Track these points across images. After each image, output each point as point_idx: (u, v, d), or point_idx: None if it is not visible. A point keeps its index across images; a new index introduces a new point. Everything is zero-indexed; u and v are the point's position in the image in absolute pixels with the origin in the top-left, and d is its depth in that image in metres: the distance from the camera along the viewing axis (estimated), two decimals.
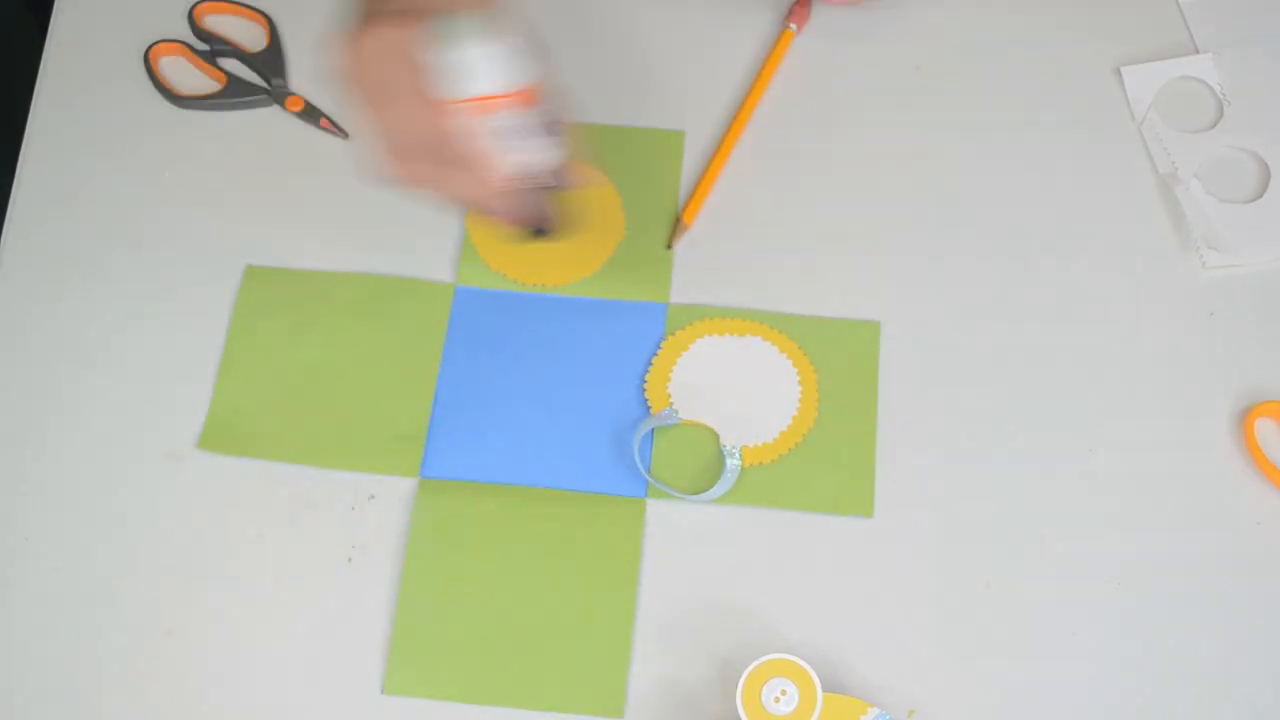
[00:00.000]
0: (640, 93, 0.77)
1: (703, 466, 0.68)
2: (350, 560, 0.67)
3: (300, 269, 0.73)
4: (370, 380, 0.70)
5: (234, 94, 0.77)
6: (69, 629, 0.65)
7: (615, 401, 0.70)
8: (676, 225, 0.73)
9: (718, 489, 0.67)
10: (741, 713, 0.59)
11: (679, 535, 0.67)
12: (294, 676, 0.64)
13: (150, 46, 0.78)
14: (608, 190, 0.74)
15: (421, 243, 0.74)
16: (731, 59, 0.78)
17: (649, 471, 0.68)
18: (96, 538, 0.67)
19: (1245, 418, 0.69)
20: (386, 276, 0.73)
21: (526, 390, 0.70)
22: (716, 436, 0.69)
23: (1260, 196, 0.74)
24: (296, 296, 0.72)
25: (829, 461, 0.68)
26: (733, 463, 0.68)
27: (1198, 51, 0.77)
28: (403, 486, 0.68)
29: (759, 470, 0.68)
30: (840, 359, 0.70)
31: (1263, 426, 0.69)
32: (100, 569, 0.66)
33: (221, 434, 0.69)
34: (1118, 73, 0.77)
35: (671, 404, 0.69)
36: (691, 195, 0.74)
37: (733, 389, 0.70)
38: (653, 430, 0.69)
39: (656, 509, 0.67)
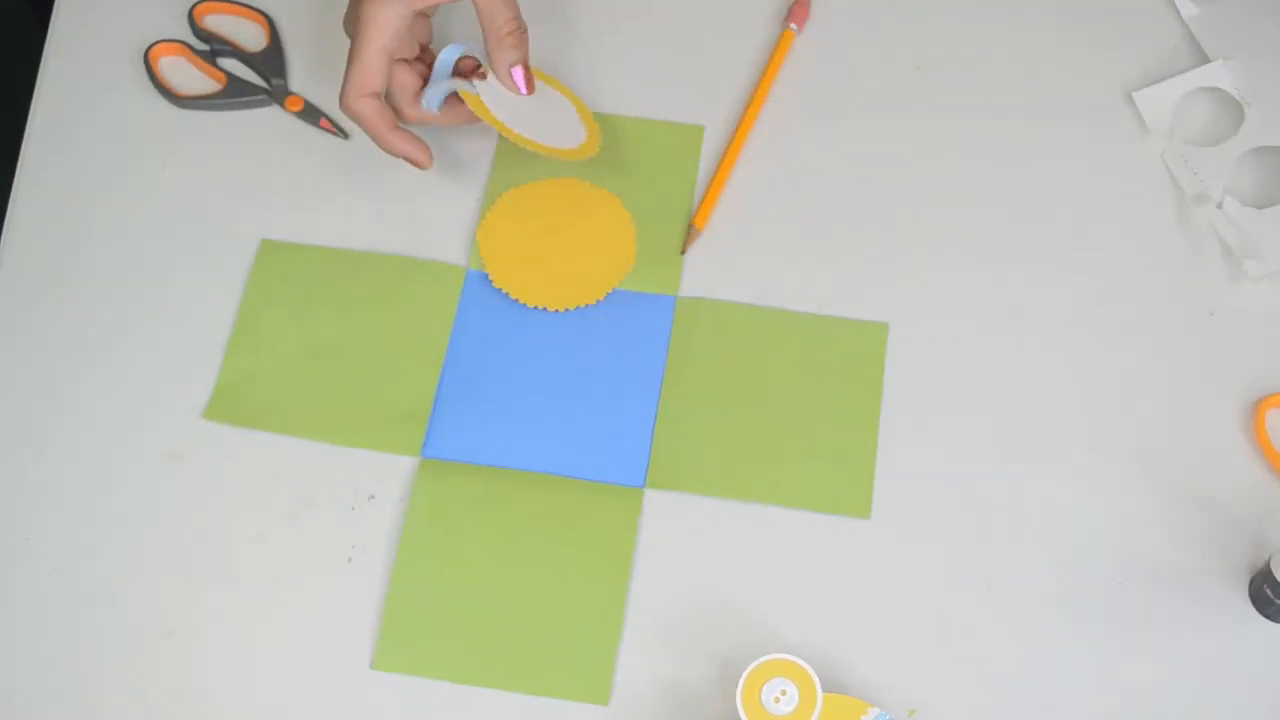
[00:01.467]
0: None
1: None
2: (350, 560, 0.67)
3: (314, 245, 0.73)
4: (377, 358, 0.70)
5: (234, 94, 0.77)
6: (69, 629, 0.65)
7: (620, 390, 0.70)
8: (689, 230, 0.73)
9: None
10: (741, 712, 0.59)
11: (676, 527, 0.67)
12: (294, 677, 0.64)
13: (150, 46, 0.78)
14: (622, 216, 0.74)
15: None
16: (734, 59, 0.78)
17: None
18: (96, 538, 0.67)
19: (1256, 410, 0.69)
20: (400, 256, 0.73)
21: (531, 376, 0.70)
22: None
23: None
24: (309, 272, 0.73)
25: (828, 460, 0.68)
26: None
27: (1208, 60, 0.77)
28: (403, 483, 0.68)
29: (755, 466, 0.68)
30: (847, 359, 0.70)
31: (1274, 418, 0.69)
32: (100, 569, 0.66)
33: (228, 405, 0.69)
34: (1126, 87, 0.77)
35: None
36: (702, 200, 0.74)
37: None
38: (655, 419, 0.69)
39: (654, 500, 0.67)
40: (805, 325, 0.71)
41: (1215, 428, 0.69)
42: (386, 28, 0.67)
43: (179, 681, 0.64)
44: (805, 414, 0.69)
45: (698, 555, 0.67)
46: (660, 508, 0.67)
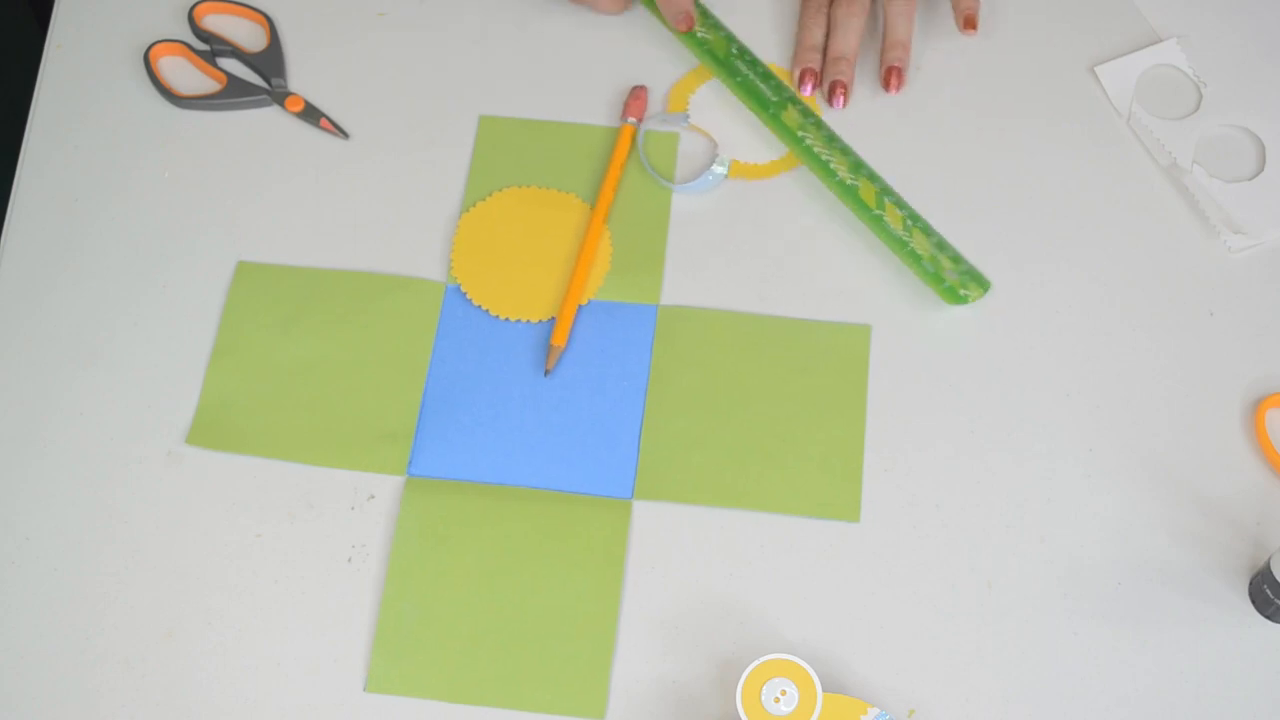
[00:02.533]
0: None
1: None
2: (350, 560, 0.67)
3: (292, 265, 0.73)
4: (359, 377, 0.70)
5: (234, 94, 0.77)
6: (69, 629, 0.65)
7: (604, 402, 0.69)
8: (551, 350, 0.70)
9: (696, 185, 0.74)
10: (741, 713, 0.59)
11: (665, 537, 0.67)
12: (294, 677, 0.64)
13: (150, 46, 0.78)
14: (596, 221, 0.73)
15: (414, 241, 0.74)
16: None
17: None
18: (96, 538, 0.67)
19: (1256, 410, 0.69)
20: (378, 274, 0.73)
21: (515, 390, 0.70)
22: (714, 145, 0.75)
23: (1260, 172, 0.74)
24: (288, 292, 0.72)
25: (817, 464, 0.68)
26: (719, 169, 0.74)
27: (1160, 39, 0.78)
28: (401, 486, 0.68)
29: (743, 473, 0.67)
30: (831, 362, 0.70)
31: (1274, 418, 0.69)
32: (100, 569, 0.66)
33: (210, 429, 0.69)
34: (1089, 62, 0.78)
35: (687, 112, 0.76)
36: (560, 316, 0.71)
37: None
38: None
39: (643, 510, 0.67)
40: (788, 330, 0.71)
41: (1215, 428, 0.69)
42: None
43: (179, 681, 0.64)
44: (792, 419, 0.69)
45: (689, 565, 0.66)
46: (649, 518, 0.67)
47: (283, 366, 0.70)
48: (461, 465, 0.68)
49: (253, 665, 0.65)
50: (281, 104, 0.77)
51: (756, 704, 0.59)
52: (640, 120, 0.76)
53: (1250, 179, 0.74)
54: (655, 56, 0.79)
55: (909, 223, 0.72)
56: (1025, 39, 0.79)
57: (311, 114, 0.77)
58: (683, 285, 0.72)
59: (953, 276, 0.71)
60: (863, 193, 0.73)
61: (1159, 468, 0.68)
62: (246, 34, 0.80)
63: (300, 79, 0.78)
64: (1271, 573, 0.62)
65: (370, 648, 0.65)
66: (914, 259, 0.71)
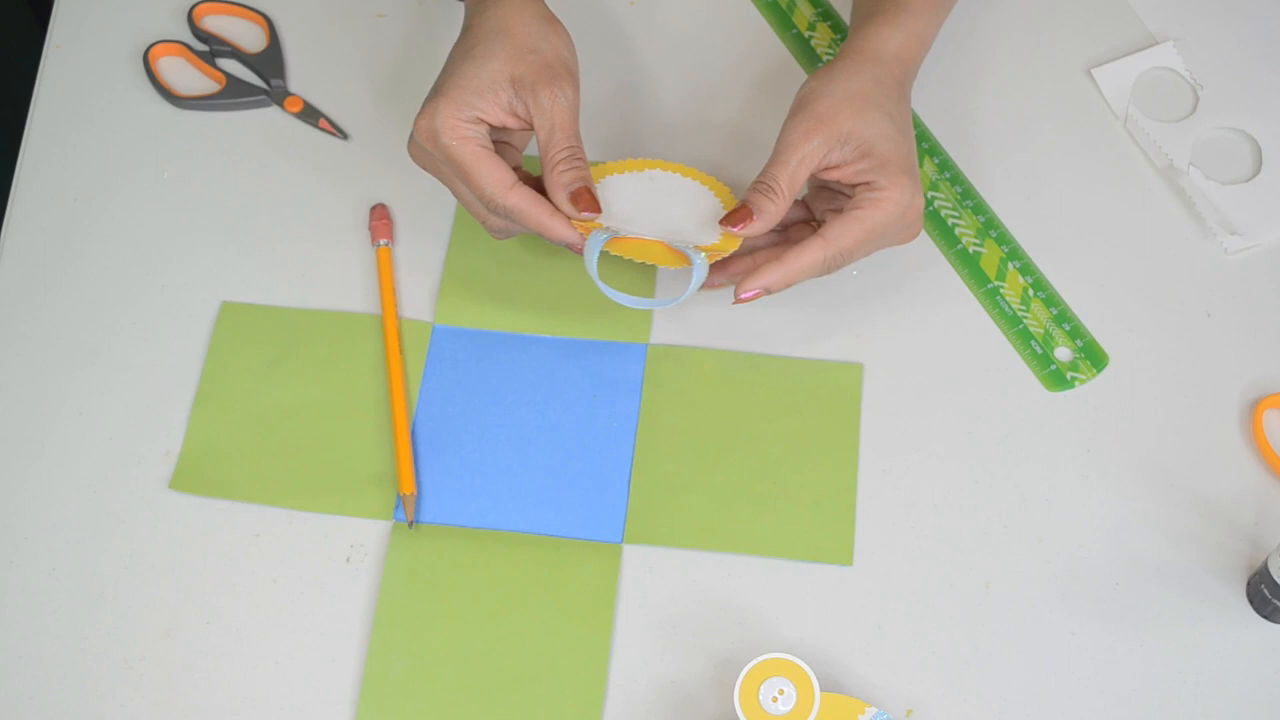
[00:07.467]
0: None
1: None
2: (349, 560, 0.67)
3: (277, 305, 0.72)
4: (345, 421, 0.69)
5: (233, 94, 0.77)
6: (69, 629, 0.65)
7: (593, 444, 0.68)
8: (404, 501, 0.67)
9: (691, 288, 0.65)
10: (739, 712, 0.59)
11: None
12: (293, 677, 0.64)
13: (150, 46, 0.78)
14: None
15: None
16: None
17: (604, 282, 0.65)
18: (96, 538, 0.67)
19: (1254, 411, 0.69)
20: (363, 314, 0.72)
21: (503, 433, 0.69)
22: (665, 244, 0.66)
23: (1257, 174, 0.74)
24: (270, 334, 0.71)
25: (809, 499, 0.67)
26: (699, 260, 0.64)
27: (1156, 42, 0.78)
28: (388, 531, 0.67)
29: (735, 515, 0.67)
30: (823, 401, 0.69)
31: (1272, 419, 0.69)
32: (100, 569, 0.67)
33: (194, 475, 0.68)
34: (1086, 64, 0.78)
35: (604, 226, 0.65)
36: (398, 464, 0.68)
37: (655, 216, 0.67)
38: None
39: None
40: (779, 368, 0.70)
41: (1213, 428, 0.69)
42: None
43: (177, 681, 0.64)
44: (783, 460, 0.68)
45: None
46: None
47: (266, 411, 0.69)
48: (449, 510, 0.67)
49: (251, 665, 0.65)
50: (281, 104, 0.77)
51: (754, 703, 0.59)
52: (390, 241, 0.73)
53: (1247, 181, 0.74)
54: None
55: (1029, 292, 0.70)
56: (1022, 42, 0.79)
57: (311, 114, 0.77)
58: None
59: (1064, 357, 0.69)
60: (985, 261, 0.71)
61: (1157, 468, 0.68)
62: (246, 34, 0.80)
63: (300, 79, 0.79)
64: (1269, 573, 0.62)
65: (365, 644, 0.65)
66: (1023, 338, 0.70)
